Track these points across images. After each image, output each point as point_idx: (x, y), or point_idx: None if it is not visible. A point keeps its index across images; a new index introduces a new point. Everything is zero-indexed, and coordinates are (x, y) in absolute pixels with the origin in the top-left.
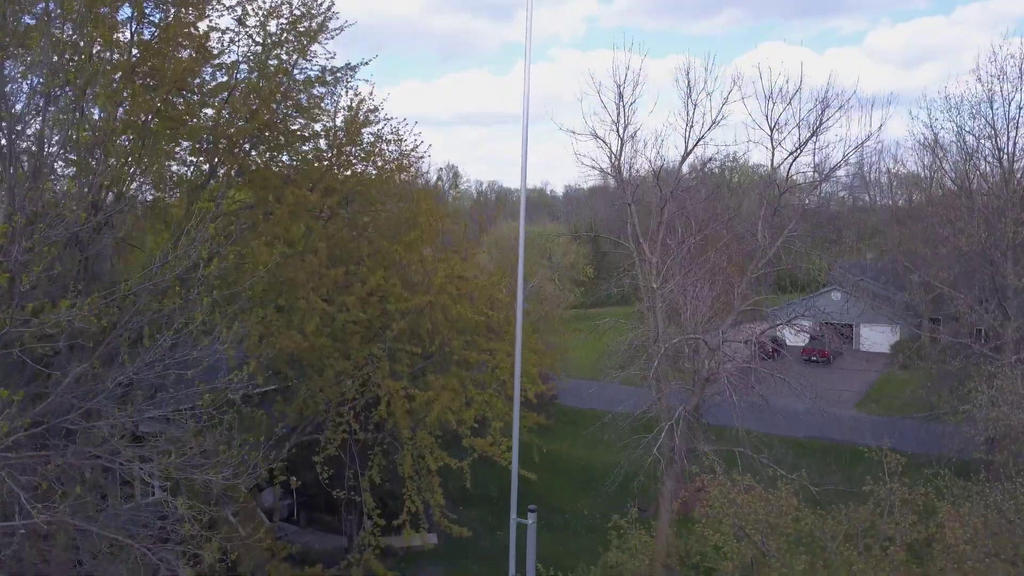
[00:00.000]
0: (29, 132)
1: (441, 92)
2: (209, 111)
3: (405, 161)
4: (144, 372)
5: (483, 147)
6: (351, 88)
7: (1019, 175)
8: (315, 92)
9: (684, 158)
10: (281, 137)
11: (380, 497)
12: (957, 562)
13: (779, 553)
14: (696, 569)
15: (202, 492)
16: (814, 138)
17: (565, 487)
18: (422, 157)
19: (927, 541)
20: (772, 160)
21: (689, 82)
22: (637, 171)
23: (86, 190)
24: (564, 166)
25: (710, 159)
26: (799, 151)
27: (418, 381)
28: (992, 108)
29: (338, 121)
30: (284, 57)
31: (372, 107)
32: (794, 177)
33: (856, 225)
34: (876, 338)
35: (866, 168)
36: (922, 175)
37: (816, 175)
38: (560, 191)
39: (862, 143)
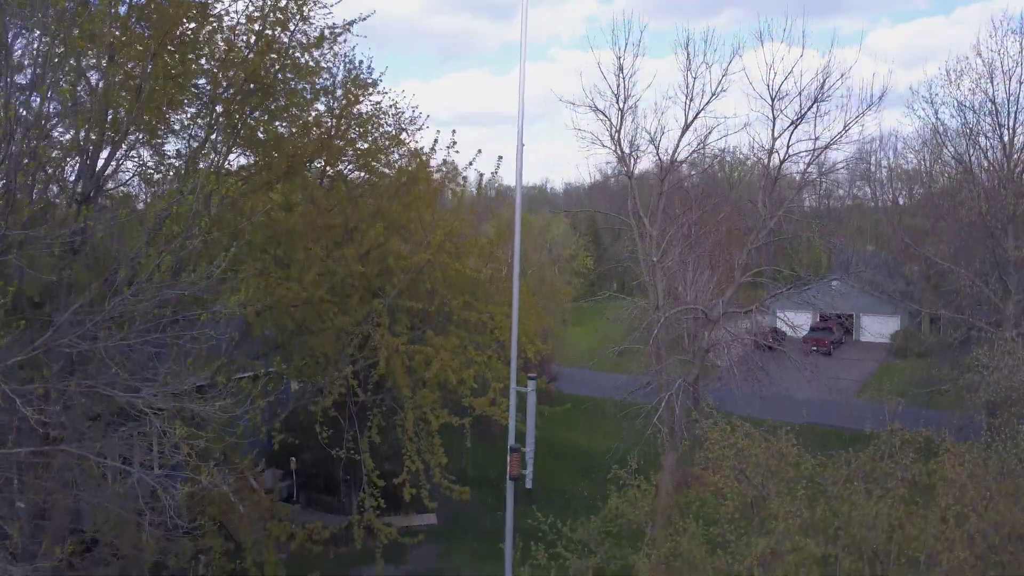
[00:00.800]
0: (22, 81)
1: (441, 92)
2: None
3: (403, 134)
4: (142, 299)
5: (483, 147)
6: (349, 61)
7: (1019, 149)
8: (316, 55)
9: (684, 131)
10: (281, 99)
11: (380, 475)
12: (959, 492)
13: (779, 496)
14: (696, 516)
15: (199, 422)
16: (815, 107)
17: (565, 470)
18: (420, 128)
19: (929, 486)
20: (773, 131)
21: (688, 54)
22: (637, 146)
23: (81, 136)
24: (564, 165)
25: (709, 132)
26: (800, 120)
27: (418, 344)
28: (992, 83)
29: (338, 89)
30: (280, 16)
31: (371, 80)
32: (795, 146)
33: (857, 213)
34: (877, 328)
35: (865, 162)
36: (922, 168)
37: (816, 144)
38: (560, 188)
39: (863, 113)
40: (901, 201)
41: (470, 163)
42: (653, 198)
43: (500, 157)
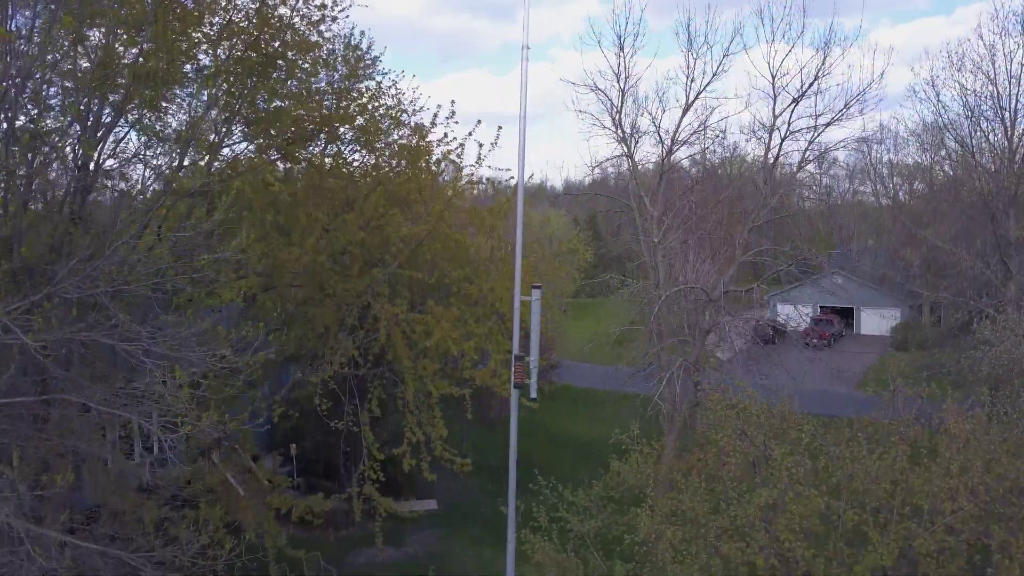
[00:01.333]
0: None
1: (441, 92)
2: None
3: (403, 115)
4: (142, 253)
5: (482, 148)
6: (349, 36)
7: (1021, 131)
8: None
9: (685, 111)
10: (281, 72)
11: (379, 448)
12: (962, 446)
13: (781, 456)
14: (699, 476)
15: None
16: (816, 83)
17: (566, 458)
18: (419, 111)
19: (931, 447)
20: (774, 108)
21: (690, 34)
22: (638, 127)
23: (82, 104)
24: (563, 164)
25: (711, 111)
26: (801, 96)
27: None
28: (994, 65)
29: (338, 64)
30: None
31: (370, 59)
32: (796, 123)
33: (858, 208)
34: (877, 321)
35: (866, 153)
36: (923, 160)
37: (817, 122)
38: (559, 186)
39: (863, 90)
40: (902, 195)
41: (469, 134)
42: (654, 180)
43: (500, 127)
